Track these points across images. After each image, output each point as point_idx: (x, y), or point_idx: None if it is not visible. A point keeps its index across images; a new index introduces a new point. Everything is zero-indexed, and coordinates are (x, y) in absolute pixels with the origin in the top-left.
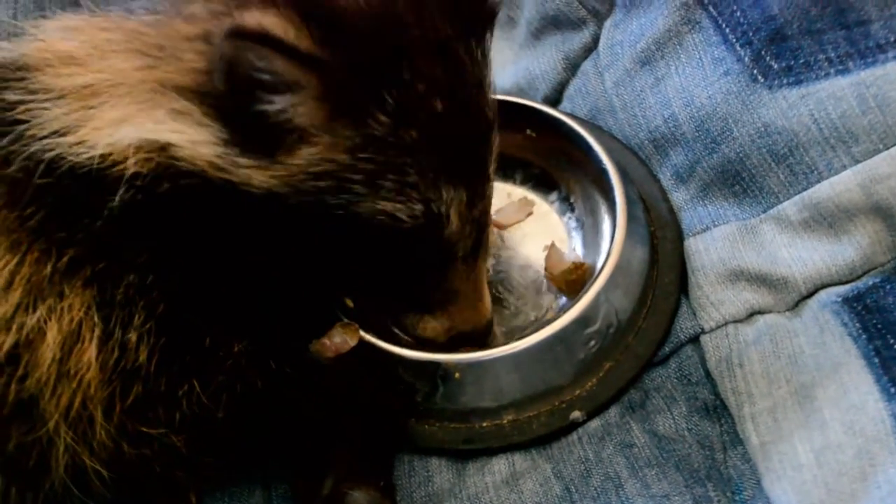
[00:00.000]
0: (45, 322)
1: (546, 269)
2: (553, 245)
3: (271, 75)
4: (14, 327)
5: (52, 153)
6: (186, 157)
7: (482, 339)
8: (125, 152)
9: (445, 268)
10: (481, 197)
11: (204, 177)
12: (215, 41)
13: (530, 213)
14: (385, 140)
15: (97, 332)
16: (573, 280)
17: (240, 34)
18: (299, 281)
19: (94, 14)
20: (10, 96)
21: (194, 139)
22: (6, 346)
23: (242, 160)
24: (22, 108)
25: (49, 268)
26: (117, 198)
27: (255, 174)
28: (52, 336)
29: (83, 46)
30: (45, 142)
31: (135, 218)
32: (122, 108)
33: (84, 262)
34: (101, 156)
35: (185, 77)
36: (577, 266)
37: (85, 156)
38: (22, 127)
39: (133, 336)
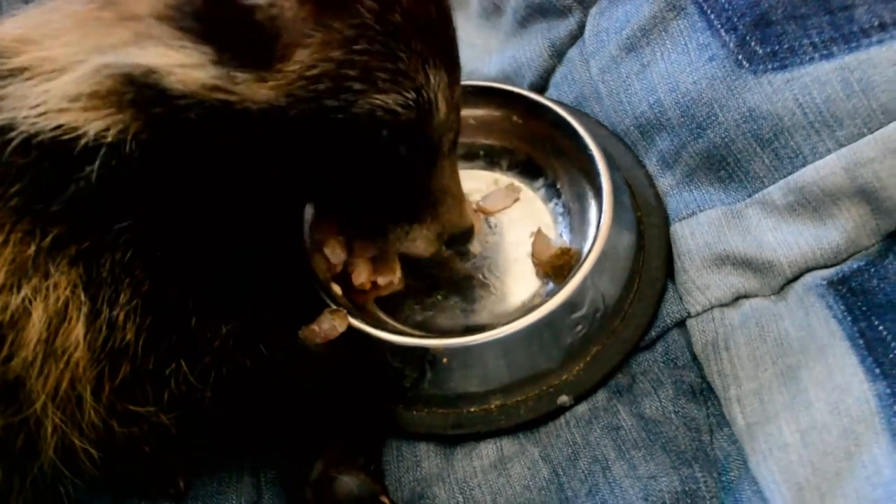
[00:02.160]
0: (30, 302)
1: (533, 254)
2: (539, 231)
3: None
4: None
5: (23, 129)
6: (178, 83)
7: (468, 240)
8: (84, 107)
9: (432, 165)
10: (456, 81)
11: (196, 102)
12: None
13: (517, 200)
14: (374, 28)
15: (84, 310)
16: (560, 265)
17: None
18: (284, 210)
19: (41, 3)
20: None
21: (183, 62)
22: None
23: (240, 75)
24: None
25: (33, 247)
26: (94, 165)
27: (255, 88)
28: (38, 316)
29: (33, 28)
30: (14, 120)
31: (109, 188)
32: (77, 58)
33: (69, 241)
34: (61, 124)
35: (147, 8)
36: (564, 251)
37: (48, 125)
38: None
39: (120, 314)
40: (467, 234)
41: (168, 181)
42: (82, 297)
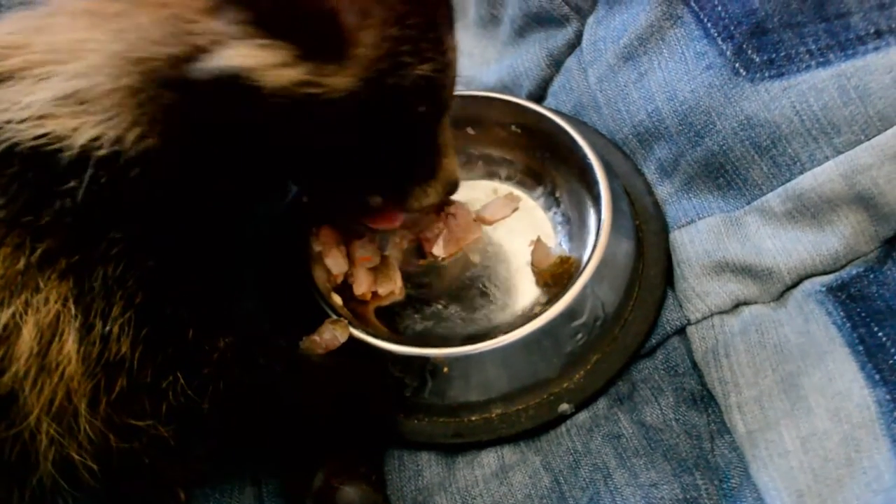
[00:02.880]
0: (21, 316)
1: (532, 263)
2: (539, 240)
3: None
4: None
5: (6, 136)
6: (271, 82)
7: (456, 189)
8: (73, 112)
9: (439, 121)
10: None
11: (284, 98)
12: None
13: (516, 209)
14: (418, 1)
15: (76, 324)
16: (560, 273)
17: None
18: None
19: (35, 6)
20: None
21: (272, 62)
22: None
23: (328, 67)
24: None
25: (23, 261)
26: (84, 178)
27: (339, 77)
28: (29, 330)
29: (26, 31)
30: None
31: (99, 200)
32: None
33: (59, 255)
34: (45, 132)
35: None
36: (564, 260)
37: (31, 133)
38: None
39: (114, 327)
40: (457, 182)
41: (173, 189)
42: (73, 311)
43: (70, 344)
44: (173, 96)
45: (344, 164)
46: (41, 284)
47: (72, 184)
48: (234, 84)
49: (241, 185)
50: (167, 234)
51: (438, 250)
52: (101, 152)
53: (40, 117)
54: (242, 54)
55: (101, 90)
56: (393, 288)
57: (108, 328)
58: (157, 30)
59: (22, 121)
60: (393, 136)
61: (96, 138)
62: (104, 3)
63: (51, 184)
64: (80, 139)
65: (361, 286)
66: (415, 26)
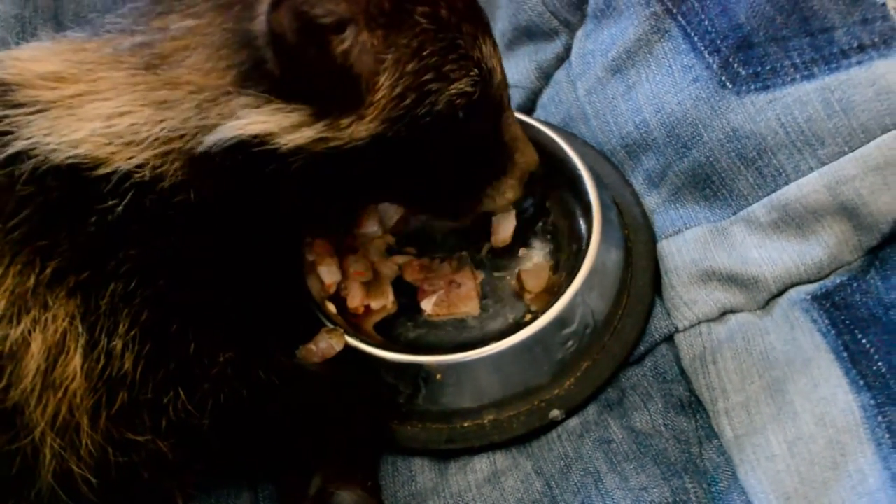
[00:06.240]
0: (30, 333)
1: (526, 290)
2: (525, 270)
3: (326, 15)
4: None
5: (35, 159)
6: (286, 145)
7: (541, 174)
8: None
9: (500, 121)
10: (494, 38)
11: (305, 155)
12: (255, 27)
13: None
14: (432, 29)
15: (82, 341)
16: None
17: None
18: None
19: (73, 37)
20: None
21: (283, 125)
22: None
23: (343, 121)
24: (6, 121)
25: (32, 279)
26: (120, 202)
27: (357, 127)
28: (37, 347)
29: (67, 64)
30: (28, 148)
31: (122, 224)
32: (124, 110)
33: (68, 273)
34: (85, 155)
35: (200, 76)
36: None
37: (69, 153)
38: (5, 138)
39: (118, 344)
40: (537, 167)
41: (198, 220)
42: (80, 329)
43: (76, 361)
44: (205, 163)
45: (399, 188)
46: (49, 302)
47: (110, 202)
48: (251, 150)
49: (274, 224)
50: (183, 253)
51: (427, 306)
52: (144, 176)
53: (85, 142)
54: (255, 121)
55: (140, 139)
56: (385, 302)
57: (112, 344)
58: (191, 108)
59: (62, 142)
60: (447, 152)
61: (139, 167)
62: (146, 77)
63: (84, 202)
64: (122, 164)
65: (355, 300)
66: (433, 54)
